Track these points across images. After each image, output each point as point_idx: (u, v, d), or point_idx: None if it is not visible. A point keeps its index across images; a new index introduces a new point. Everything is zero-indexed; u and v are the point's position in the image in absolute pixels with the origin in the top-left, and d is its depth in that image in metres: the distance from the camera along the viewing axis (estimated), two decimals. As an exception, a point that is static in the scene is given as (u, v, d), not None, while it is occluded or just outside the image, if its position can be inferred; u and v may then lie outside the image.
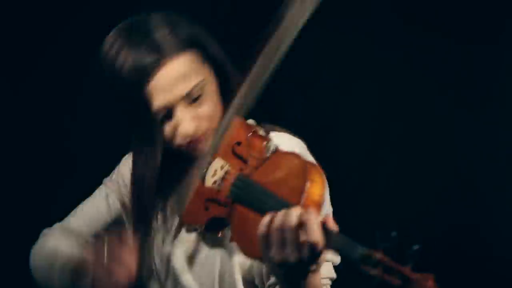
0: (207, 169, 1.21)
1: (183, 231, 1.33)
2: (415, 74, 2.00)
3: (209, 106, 1.27)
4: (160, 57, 1.21)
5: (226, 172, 1.17)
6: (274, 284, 1.24)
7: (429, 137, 2.02)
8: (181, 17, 1.29)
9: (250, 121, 1.30)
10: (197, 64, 1.25)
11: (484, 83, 1.97)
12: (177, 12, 1.30)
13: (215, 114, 1.28)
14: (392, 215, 1.92)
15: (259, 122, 1.32)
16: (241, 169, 1.15)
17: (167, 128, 1.27)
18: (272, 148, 1.22)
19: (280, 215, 0.97)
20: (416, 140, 2.03)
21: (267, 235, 0.97)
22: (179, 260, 1.33)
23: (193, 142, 1.28)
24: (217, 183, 1.17)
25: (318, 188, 1.02)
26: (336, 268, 1.24)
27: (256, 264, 1.25)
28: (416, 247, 0.86)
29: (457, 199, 1.99)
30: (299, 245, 0.95)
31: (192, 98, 1.24)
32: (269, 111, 1.32)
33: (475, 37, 1.93)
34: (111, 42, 1.26)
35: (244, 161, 1.17)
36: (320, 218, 0.96)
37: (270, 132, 1.26)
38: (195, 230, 1.30)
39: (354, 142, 2.03)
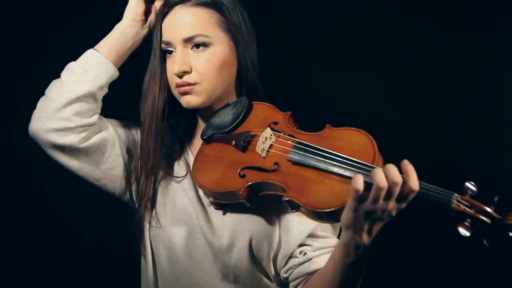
0: (256, 137, 1.31)
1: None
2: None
3: (206, 63, 1.36)
4: None
5: (272, 143, 1.28)
6: (292, 268, 1.32)
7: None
8: None
9: None
10: (213, 24, 1.36)
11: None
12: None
13: (210, 74, 1.36)
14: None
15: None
16: (292, 139, 1.26)
17: (169, 63, 1.39)
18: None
19: (390, 170, 1.03)
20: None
21: (378, 190, 1.02)
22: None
23: (181, 88, 1.36)
24: (264, 151, 1.29)
25: (381, 157, 1.17)
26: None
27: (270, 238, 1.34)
28: (496, 197, 1.03)
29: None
30: (402, 194, 1.04)
31: (193, 44, 1.36)
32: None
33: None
34: None
35: (289, 135, 1.29)
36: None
37: None
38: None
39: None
